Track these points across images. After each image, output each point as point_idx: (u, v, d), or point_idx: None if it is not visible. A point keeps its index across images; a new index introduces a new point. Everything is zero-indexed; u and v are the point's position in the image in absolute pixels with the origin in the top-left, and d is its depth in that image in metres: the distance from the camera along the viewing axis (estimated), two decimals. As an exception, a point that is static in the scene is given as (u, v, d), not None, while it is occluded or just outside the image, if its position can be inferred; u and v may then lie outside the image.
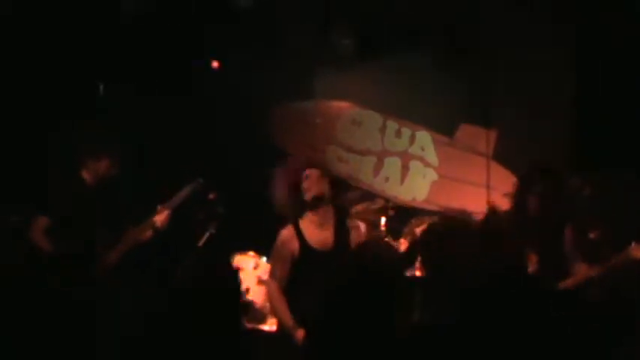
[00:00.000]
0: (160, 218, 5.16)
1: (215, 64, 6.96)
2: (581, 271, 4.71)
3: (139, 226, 5.18)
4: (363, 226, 5.98)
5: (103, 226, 5.12)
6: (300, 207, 4.35)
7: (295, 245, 4.32)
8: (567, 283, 4.67)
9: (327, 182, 4.36)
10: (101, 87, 6.48)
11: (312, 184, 4.32)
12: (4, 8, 6.05)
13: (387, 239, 5.75)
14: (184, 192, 5.28)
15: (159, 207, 5.21)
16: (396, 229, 5.94)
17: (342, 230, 4.37)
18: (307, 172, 4.34)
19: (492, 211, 5.15)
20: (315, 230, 4.33)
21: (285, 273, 4.33)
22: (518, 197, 4.96)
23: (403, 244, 5.62)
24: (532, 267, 4.56)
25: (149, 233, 5.18)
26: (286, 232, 4.44)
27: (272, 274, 4.55)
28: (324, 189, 4.34)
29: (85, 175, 5.17)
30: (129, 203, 5.24)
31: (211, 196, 5.51)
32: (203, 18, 6.61)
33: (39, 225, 5.05)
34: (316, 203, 4.30)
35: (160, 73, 6.53)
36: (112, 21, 6.38)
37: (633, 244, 4.64)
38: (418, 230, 5.63)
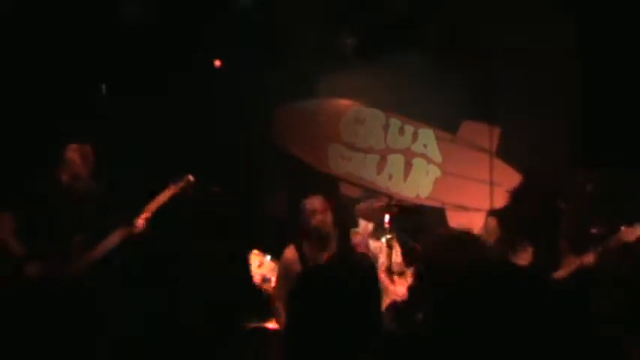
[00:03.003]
0: (139, 222, 5.03)
1: (218, 63, 6.98)
2: (575, 261, 4.74)
3: (118, 229, 5.01)
4: (369, 226, 6.00)
5: (80, 227, 4.98)
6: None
7: (297, 268, 4.36)
8: (562, 273, 4.70)
9: (330, 211, 4.44)
10: (102, 87, 6.48)
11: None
12: (4, 8, 6.05)
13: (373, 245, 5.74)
14: (168, 192, 5.15)
15: (142, 208, 5.08)
16: (404, 241, 5.92)
17: (344, 249, 4.41)
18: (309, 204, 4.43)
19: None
20: (318, 252, 4.37)
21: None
22: (519, 198, 4.99)
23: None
24: (527, 259, 4.60)
25: (128, 235, 5.02)
26: (289, 254, 4.54)
27: (277, 295, 4.64)
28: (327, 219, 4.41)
29: (62, 175, 5.06)
30: (114, 205, 5.11)
31: (216, 189, 5.49)
32: (206, 17, 6.62)
33: (5, 224, 4.94)
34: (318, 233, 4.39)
35: (163, 73, 6.54)
36: (113, 20, 6.39)
37: (623, 228, 4.66)
38: None
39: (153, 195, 5.12)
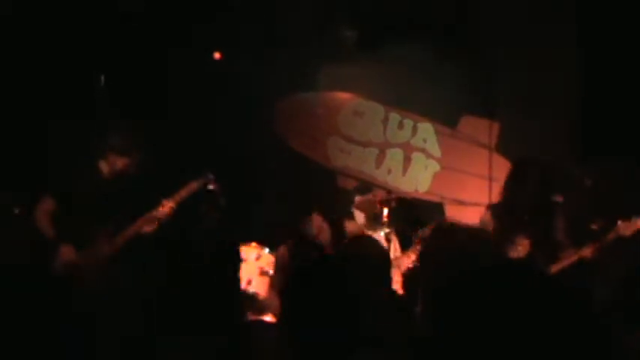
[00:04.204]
0: (163, 212, 5.12)
1: (218, 55, 6.95)
2: (572, 255, 4.73)
3: (141, 219, 5.14)
4: (362, 218, 5.99)
5: (110, 217, 5.08)
6: None
7: None
8: (559, 266, 4.69)
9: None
10: (102, 80, 6.46)
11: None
12: (4, 8, 6.05)
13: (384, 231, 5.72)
14: (191, 186, 5.23)
15: (164, 201, 5.17)
16: (405, 235, 5.90)
17: (339, 240, 4.44)
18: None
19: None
20: None
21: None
22: (511, 188, 4.97)
23: (413, 254, 5.55)
24: (523, 252, 4.58)
25: (153, 226, 5.13)
26: (285, 246, 4.60)
27: (273, 285, 4.69)
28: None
29: (103, 166, 5.16)
30: (138, 196, 5.18)
31: (213, 187, 5.50)
32: (205, 9, 6.60)
33: (45, 207, 5.05)
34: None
35: (161, 63, 6.53)
36: (114, 13, 6.37)
37: (620, 223, 4.66)
38: None
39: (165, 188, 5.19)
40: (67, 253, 4.95)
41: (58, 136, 5.96)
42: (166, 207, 5.10)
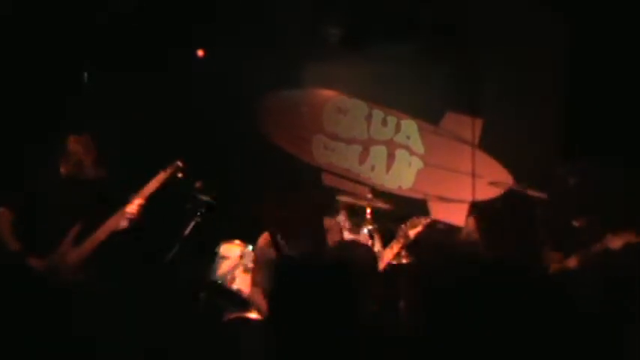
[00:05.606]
0: (132, 208, 4.99)
1: (201, 52, 6.93)
2: (556, 259, 4.76)
3: (111, 217, 4.99)
4: (342, 220, 5.98)
5: (77, 219, 4.95)
6: None
7: (272, 253, 4.42)
8: (542, 272, 4.71)
9: None
10: (86, 77, 6.42)
11: None
12: (4, 8, 5.99)
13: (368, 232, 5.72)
14: (159, 177, 5.11)
15: (132, 196, 5.04)
16: (386, 230, 5.90)
17: (318, 234, 4.44)
18: None
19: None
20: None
21: (267, 279, 4.43)
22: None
23: (395, 247, 5.54)
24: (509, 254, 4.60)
25: (124, 223, 4.99)
26: (262, 240, 4.61)
27: (254, 281, 4.69)
28: None
29: (63, 167, 5.03)
30: (107, 196, 5.07)
31: (197, 184, 5.47)
32: (190, 5, 6.58)
33: (4, 220, 4.93)
34: None
35: (146, 61, 6.50)
36: (101, 8, 6.34)
37: (609, 236, 4.68)
38: (412, 233, 5.55)
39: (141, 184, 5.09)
40: (32, 262, 4.83)
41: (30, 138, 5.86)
42: (134, 203, 5.00)
